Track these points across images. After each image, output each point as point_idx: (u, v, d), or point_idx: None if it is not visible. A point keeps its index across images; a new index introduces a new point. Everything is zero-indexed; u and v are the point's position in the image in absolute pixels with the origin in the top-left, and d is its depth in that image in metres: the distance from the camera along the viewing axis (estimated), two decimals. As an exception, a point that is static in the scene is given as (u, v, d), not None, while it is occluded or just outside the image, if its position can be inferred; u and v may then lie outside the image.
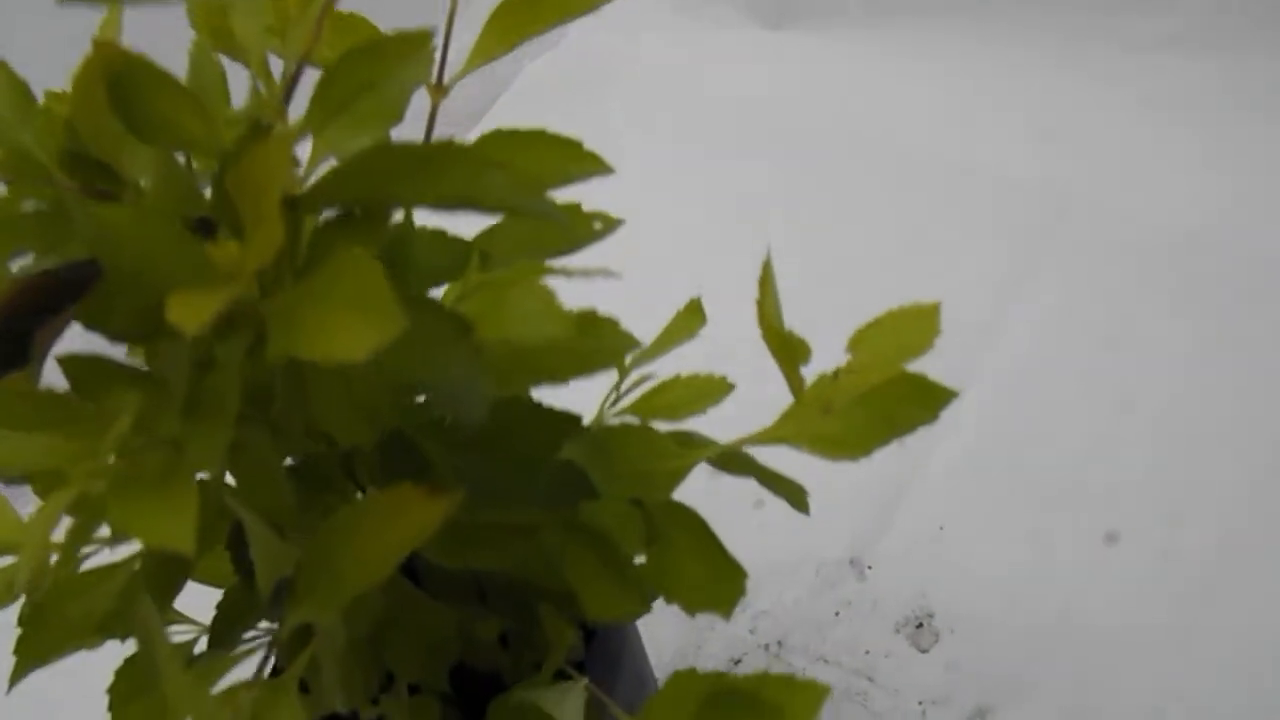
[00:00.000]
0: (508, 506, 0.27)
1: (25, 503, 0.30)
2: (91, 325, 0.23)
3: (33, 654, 0.32)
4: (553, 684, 0.29)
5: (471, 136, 0.26)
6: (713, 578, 0.27)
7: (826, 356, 0.29)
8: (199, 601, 0.33)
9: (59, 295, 0.23)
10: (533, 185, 0.24)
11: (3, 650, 0.31)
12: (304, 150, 0.24)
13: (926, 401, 0.27)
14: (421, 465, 0.25)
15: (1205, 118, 0.78)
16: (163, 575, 0.29)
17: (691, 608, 0.27)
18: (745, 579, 0.27)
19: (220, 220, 0.22)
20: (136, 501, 0.20)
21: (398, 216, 0.26)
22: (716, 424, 0.33)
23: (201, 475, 0.24)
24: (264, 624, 0.31)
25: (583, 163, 0.26)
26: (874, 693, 0.54)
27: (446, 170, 0.21)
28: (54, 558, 0.31)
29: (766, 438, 0.28)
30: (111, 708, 0.30)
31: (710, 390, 0.30)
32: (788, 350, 0.26)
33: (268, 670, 0.31)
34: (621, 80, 0.95)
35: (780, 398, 0.30)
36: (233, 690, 0.24)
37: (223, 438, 0.21)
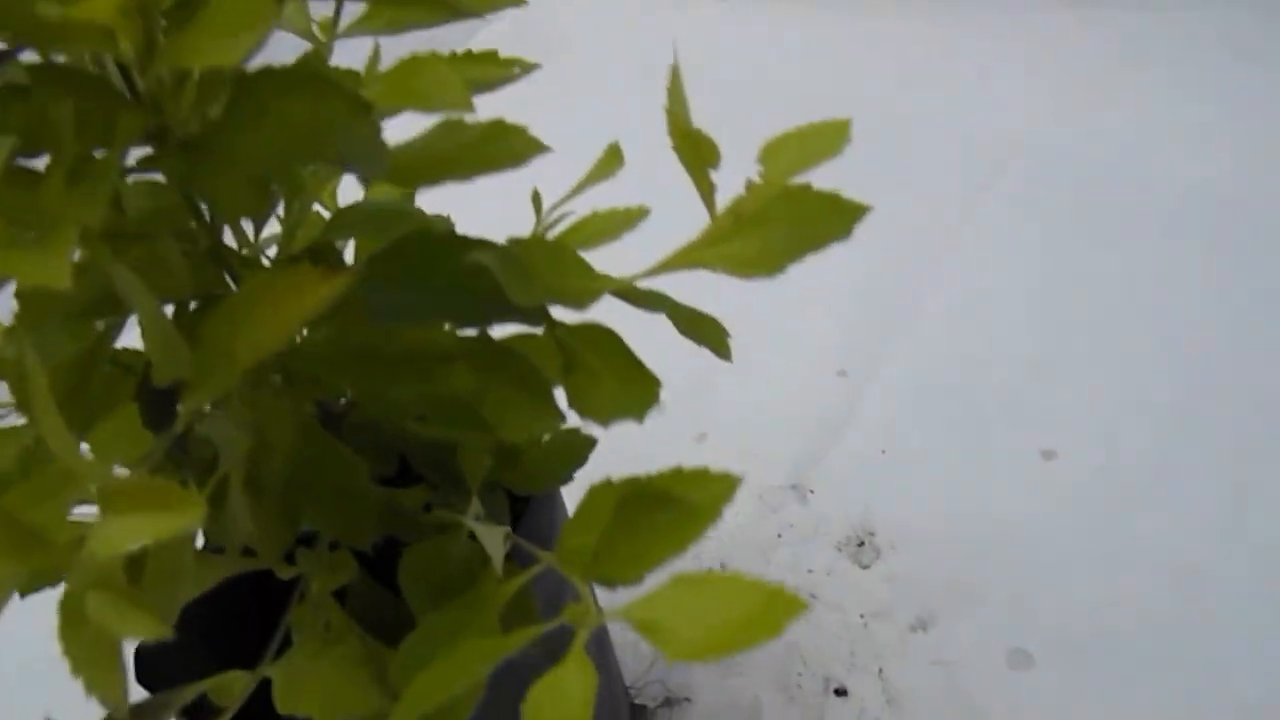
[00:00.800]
0: (428, 323, 0.26)
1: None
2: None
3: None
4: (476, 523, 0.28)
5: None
6: (626, 388, 0.27)
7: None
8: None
9: None
10: None
11: None
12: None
13: (839, 217, 0.27)
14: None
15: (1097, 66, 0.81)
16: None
17: (605, 418, 0.27)
18: (659, 387, 0.27)
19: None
20: (17, 251, 0.20)
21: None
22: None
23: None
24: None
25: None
26: (817, 608, 0.54)
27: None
28: None
29: (682, 260, 0.28)
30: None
31: (627, 218, 0.30)
32: (696, 152, 0.26)
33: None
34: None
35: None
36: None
37: (104, 197, 0.20)
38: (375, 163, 0.21)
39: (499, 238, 0.26)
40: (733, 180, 0.26)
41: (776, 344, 0.65)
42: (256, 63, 0.21)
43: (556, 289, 0.27)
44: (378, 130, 0.22)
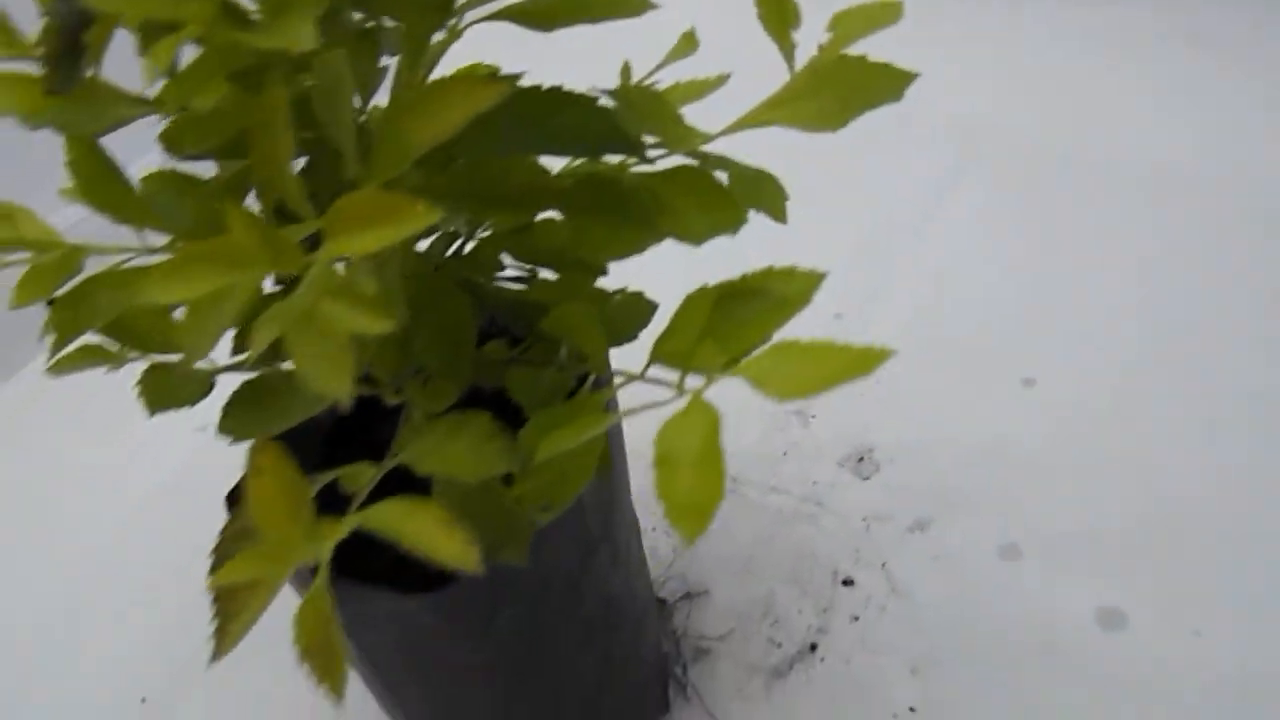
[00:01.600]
0: (551, 153, 0.31)
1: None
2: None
3: (67, 329, 0.34)
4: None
5: None
6: (715, 214, 0.31)
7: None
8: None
9: None
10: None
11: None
12: None
13: (892, 82, 0.32)
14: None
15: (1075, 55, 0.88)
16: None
17: (699, 238, 0.31)
18: (745, 212, 0.31)
19: None
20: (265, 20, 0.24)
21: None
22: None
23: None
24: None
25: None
26: (822, 515, 0.59)
27: None
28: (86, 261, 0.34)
29: (758, 118, 0.32)
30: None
31: (706, 85, 0.35)
32: (780, 14, 0.30)
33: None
34: None
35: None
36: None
37: None
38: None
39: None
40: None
41: (777, 289, 0.70)
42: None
43: (658, 130, 0.31)
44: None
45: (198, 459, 0.71)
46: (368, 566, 0.33)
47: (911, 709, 0.48)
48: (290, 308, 0.23)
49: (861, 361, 0.26)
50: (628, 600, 0.46)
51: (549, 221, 0.34)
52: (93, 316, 0.35)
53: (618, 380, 0.33)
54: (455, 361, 0.35)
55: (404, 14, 0.27)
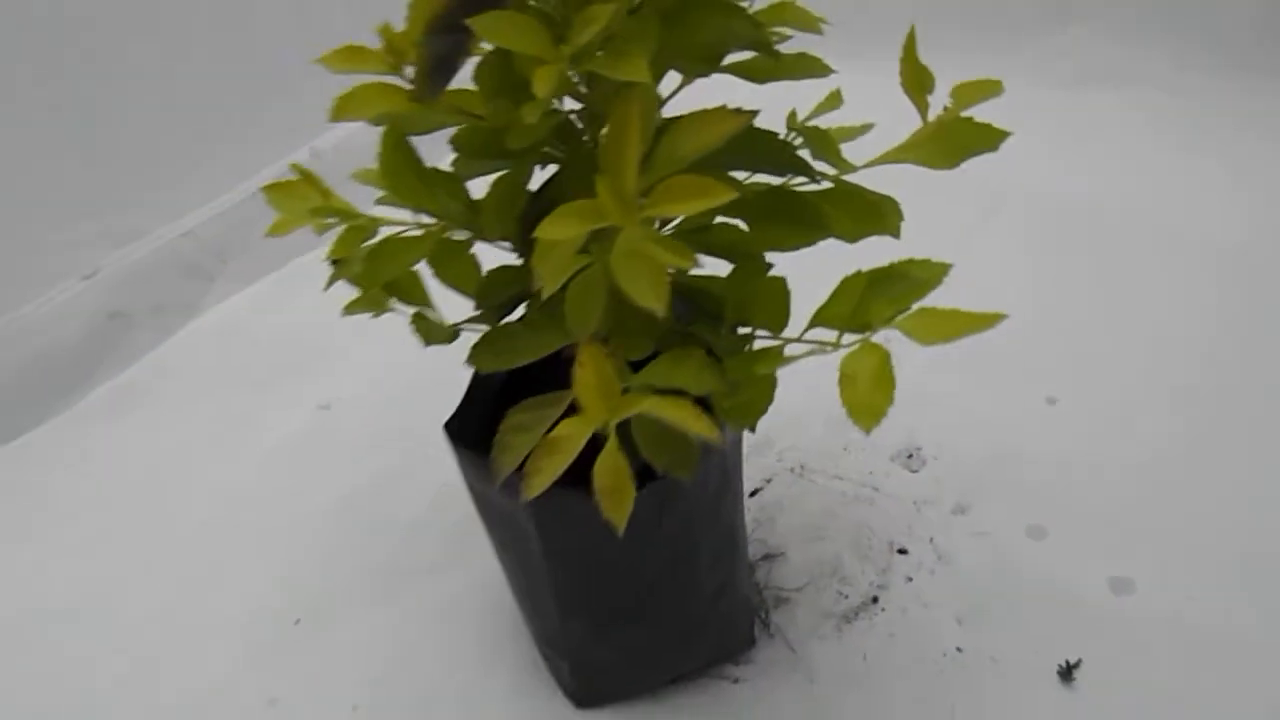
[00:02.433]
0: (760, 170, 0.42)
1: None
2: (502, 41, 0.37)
3: (370, 280, 0.45)
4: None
5: None
6: (870, 220, 0.43)
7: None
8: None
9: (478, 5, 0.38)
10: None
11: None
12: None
13: (989, 138, 0.44)
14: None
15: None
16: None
17: (854, 238, 0.43)
18: (901, 218, 0.43)
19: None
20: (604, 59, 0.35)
21: None
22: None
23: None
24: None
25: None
26: (879, 498, 0.70)
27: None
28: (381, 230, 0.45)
29: (895, 157, 0.44)
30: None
31: (856, 130, 0.47)
32: (919, 79, 0.42)
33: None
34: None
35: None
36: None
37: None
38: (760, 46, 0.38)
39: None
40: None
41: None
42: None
43: (830, 159, 0.43)
44: (767, 40, 0.39)
45: (319, 427, 0.82)
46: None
47: (959, 649, 0.59)
48: (621, 246, 0.34)
49: (982, 320, 0.37)
50: (740, 538, 0.57)
51: (725, 224, 0.46)
52: (381, 273, 0.46)
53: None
54: (651, 323, 0.46)
55: (686, 63, 0.39)
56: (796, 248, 0.44)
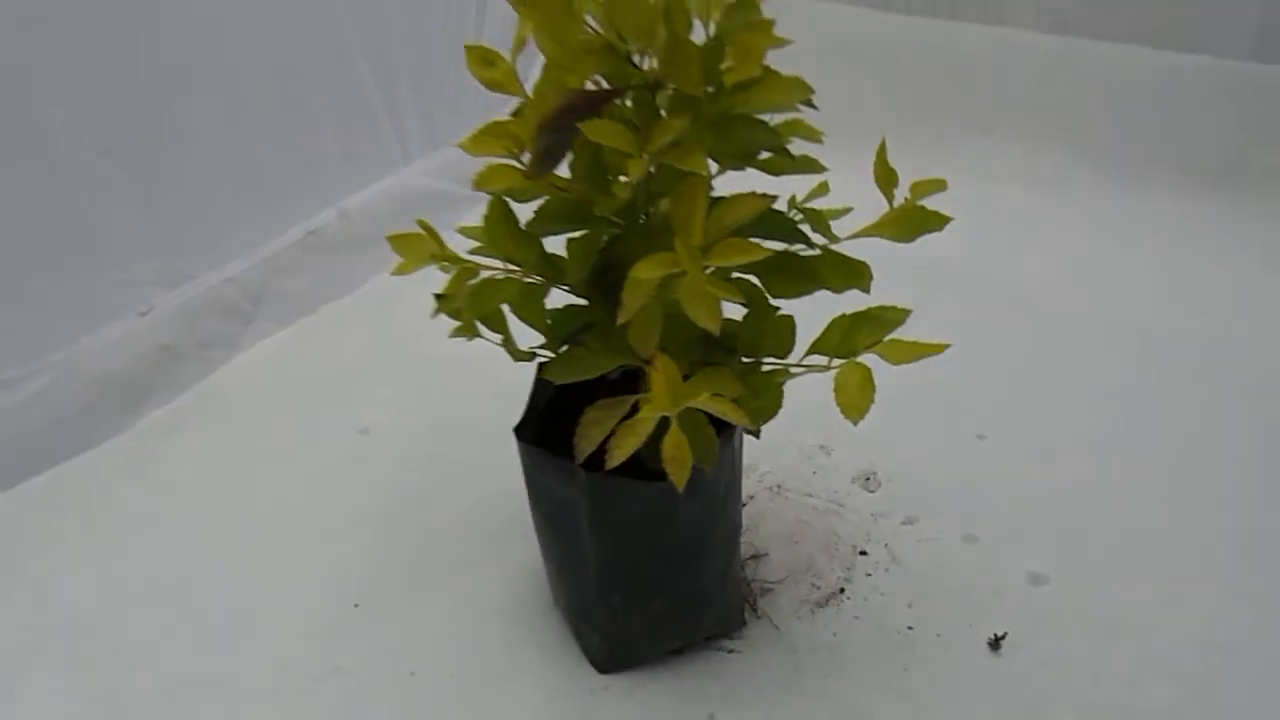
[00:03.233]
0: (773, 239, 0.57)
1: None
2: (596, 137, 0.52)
3: (472, 312, 0.59)
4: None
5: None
6: (849, 277, 0.58)
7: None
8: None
9: (577, 113, 0.53)
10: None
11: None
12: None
13: (938, 221, 0.60)
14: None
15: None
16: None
17: (839, 290, 0.58)
18: (870, 276, 0.58)
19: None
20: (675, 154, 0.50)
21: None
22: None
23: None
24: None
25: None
26: (843, 512, 0.84)
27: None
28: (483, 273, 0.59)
29: (868, 232, 0.60)
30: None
31: (839, 211, 0.62)
32: (887, 177, 0.58)
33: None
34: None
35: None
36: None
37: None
38: (777, 150, 0.53)
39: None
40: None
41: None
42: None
43: (822, 232, 0.59)
44: (783, 146, 0.54)
45: (360, 448, 0.94)
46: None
47: (909, 627, 0.73)
48: (687, 285, 0.49)
49: (932, 348, 0.53)
50: (738, 532, 0.71)
51: (742, 278, 0.61)
52: (480, 307, 0.60)
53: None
54: (689, 348, 0.61)
55: (727, 160, 0.54)
56: (796, 296, 0.59)
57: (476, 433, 0.95)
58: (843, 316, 0.57)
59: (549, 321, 0.63)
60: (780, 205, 0.59)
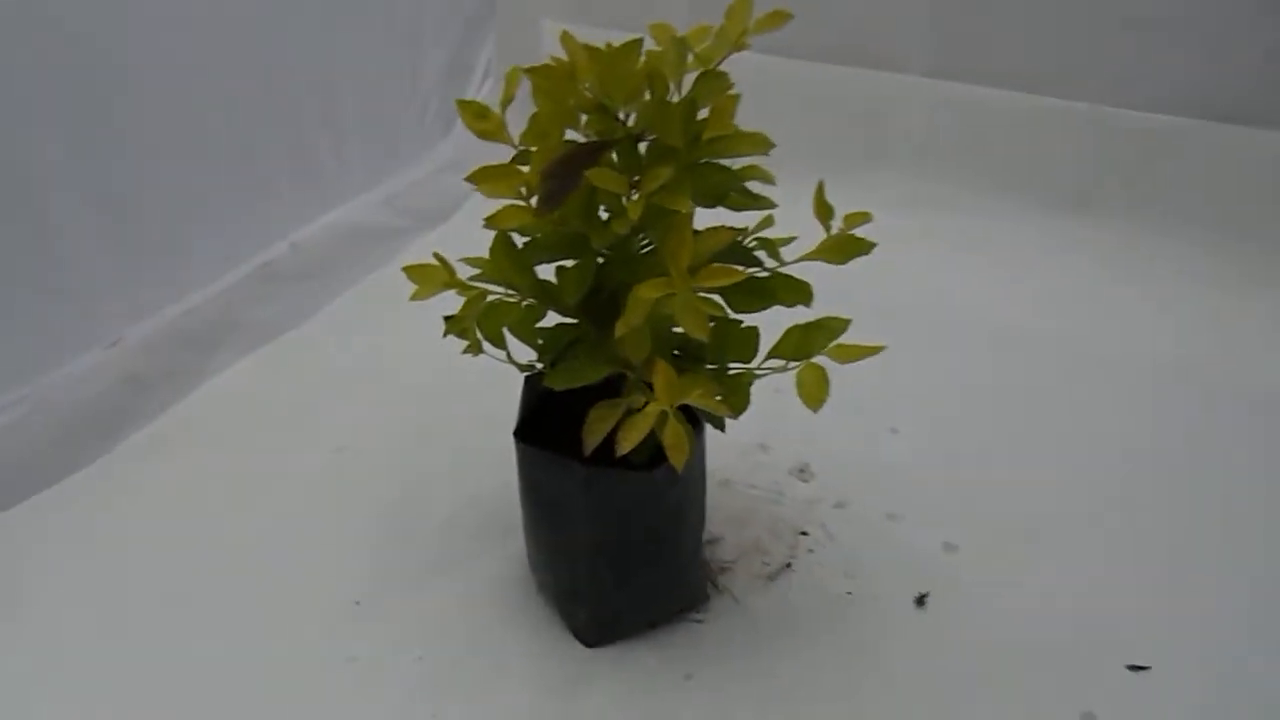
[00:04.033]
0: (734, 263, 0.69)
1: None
2: (597, 182, 0.63)
3: (484, 332, 0.69)
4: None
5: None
6: (794, 294, 0.70)
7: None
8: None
9: (578, 161, 0.64)
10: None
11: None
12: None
13: (865, 247, 0.72)
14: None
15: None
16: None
17: (790, 305, 0.70)
18: (811, 294, 0.70)
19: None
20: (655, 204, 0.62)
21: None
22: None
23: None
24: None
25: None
26: (783, 500, 0.96)
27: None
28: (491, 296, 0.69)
29: (808, 256, 0.72)
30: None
31: (786, 239, 0.74)
32: (824, 211, 0.70)
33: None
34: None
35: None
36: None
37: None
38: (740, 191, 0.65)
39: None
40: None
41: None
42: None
43: (774, 257, 0.71)
44: (742, 187, 0.66)
45: (339, 464, 1.01)
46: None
47: (849, 592, 0.86)
48: (678, 299, 0.60)
49: (871, 350, 0.65)
50: (704, 515, 0.82)
51: (707, 297, 0.72)
52: (489, 326, 0.70)
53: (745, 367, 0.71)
54: (666, 357, 0.72)
55: (702, 200, 0.66)
56: (755, 311, 0.70)
57: (446, 446, 1.04)
58: (795, 326, 0.69)
59: (540, 341, 0.73)
60: (737, 235, 0.71)
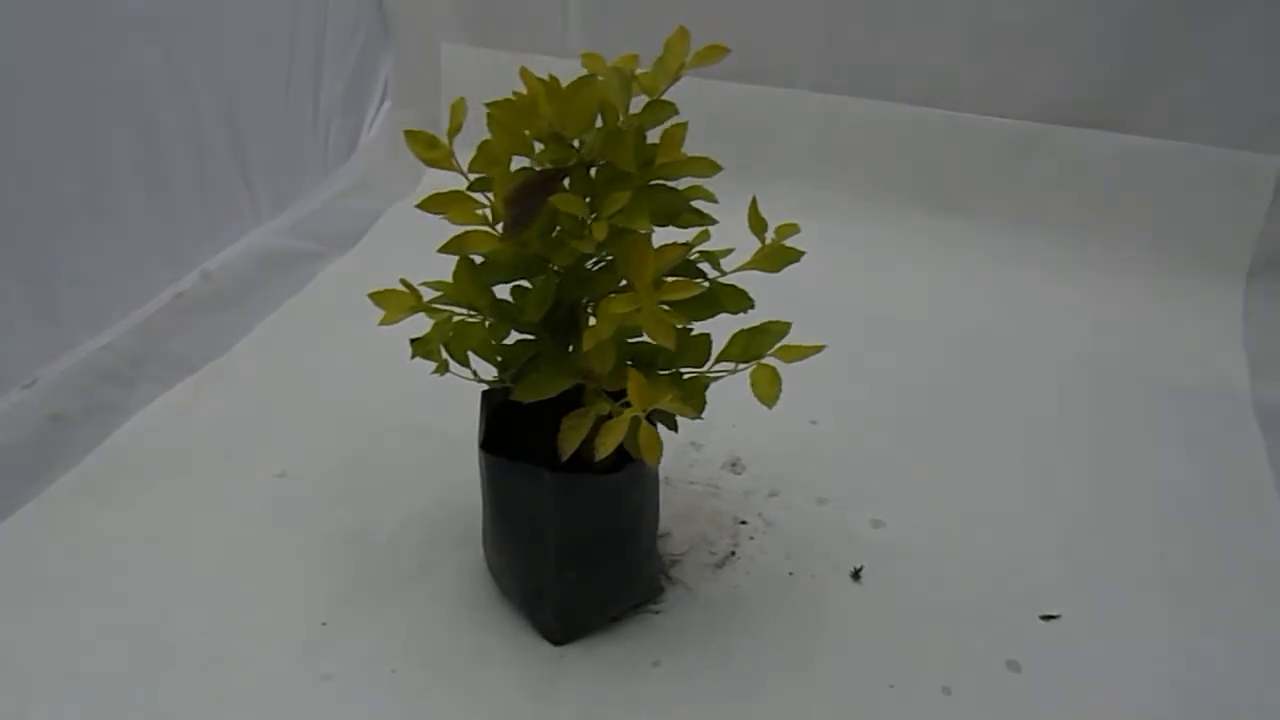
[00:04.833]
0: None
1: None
2: (561, 206, 0.68)
3: (451, 352, 0.73)
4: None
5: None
6: (737, 302, 0.76)
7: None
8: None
9: (542, 187, 0.69)
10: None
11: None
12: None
13: (796, 256, 0.79)
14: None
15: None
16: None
17: (734, 312, 0.76)
18: (750, 302, 0.76)
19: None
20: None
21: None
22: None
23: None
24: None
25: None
26: (720, 493, 1.03)
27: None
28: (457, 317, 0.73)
29: (746, 266, 0.78)
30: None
31: (725, 251, 0.80)
32: (758, 224, 0.77)
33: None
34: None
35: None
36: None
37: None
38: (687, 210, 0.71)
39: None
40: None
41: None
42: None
43: (715, 268, 0.77)
44: (689, 207, 0.72)
45: (282, 490, 1.02)
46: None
47: (790, 573, 0.93)
48: (645, 312, 0.65)
49: (811, 350, 0.72)
50: (659, 511, 0.87)
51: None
52: (458, 347, 0.73)
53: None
54: (622, 366, 0.77)
55: (655, 219, 0.71)
56: (703, 319, 0.76)
57: (385, 464, 1.06)
58: (741, 331, 0.75)
59: (499, 358, 0.77)
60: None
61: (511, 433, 0.81)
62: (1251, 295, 1.32)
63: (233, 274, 1.34)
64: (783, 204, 1.54)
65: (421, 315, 0.74)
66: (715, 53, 0.71)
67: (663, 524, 0.97)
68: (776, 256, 0.78)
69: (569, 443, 0.69)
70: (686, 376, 0.76)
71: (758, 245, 0.77)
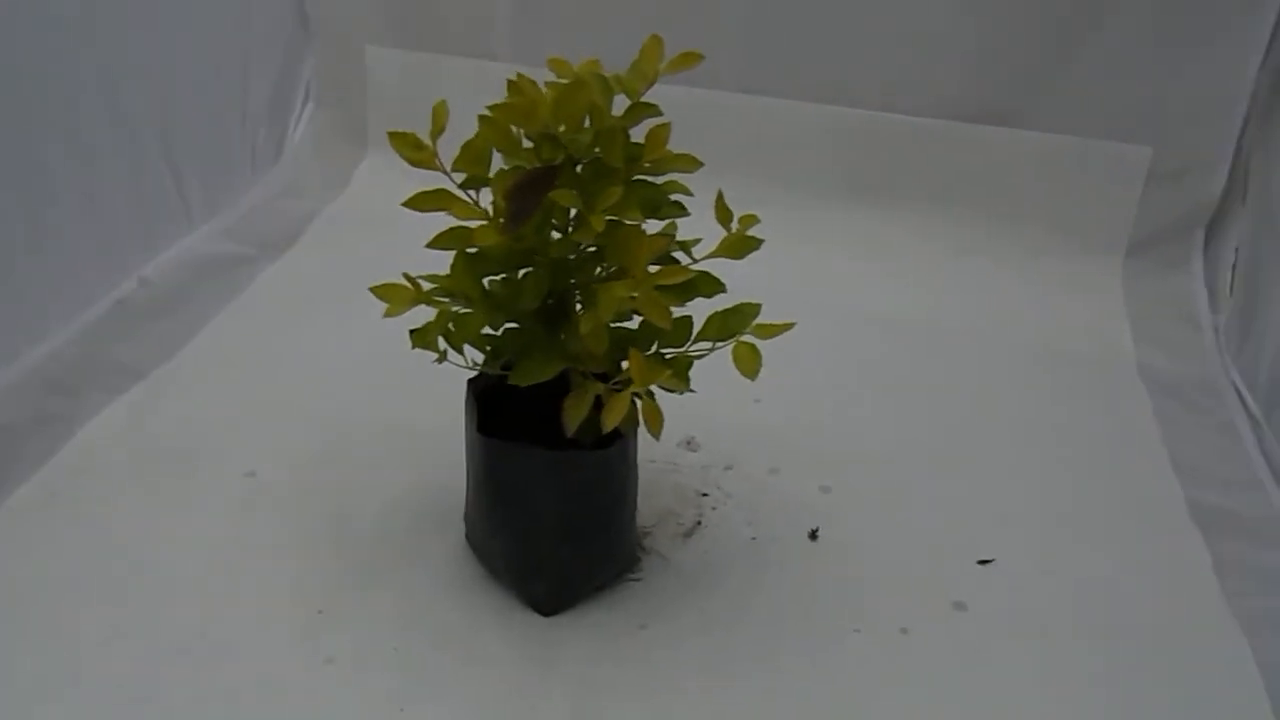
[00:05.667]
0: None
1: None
2: (560, 200, 0.73)
3: (451, 343, 0.77)
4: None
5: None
6: (711, 287, 0.83)
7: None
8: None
9: (540, 182, 0.74)
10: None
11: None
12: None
13: (756, 244, 0.87)
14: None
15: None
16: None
17: (709, 296, 0.82)
18: (724, 287, 0.83)
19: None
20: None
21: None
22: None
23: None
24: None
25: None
26: (680, 469, 1.10)
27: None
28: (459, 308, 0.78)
29: (714, 254, 0.85)
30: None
31: (696, 240, 0.87)
32: (724, 215, 0.84)
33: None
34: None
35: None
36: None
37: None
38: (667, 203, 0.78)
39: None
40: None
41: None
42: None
43: (689, 255, 0.84)
44: (668, 200, 0.79)
45: (253, 489, 1.04)
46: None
47: (753, 537, 1.01)
48: (642, 296, 0.71)
49: (783, 328, 0.80)
50: (638, 486, 0.94)
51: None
52: (459, 337, 0.78)
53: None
54: (618, 351, 0.82)
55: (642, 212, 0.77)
56: (683, 303, 0.83)
57: (354, 456, 1.09)
58: (716, 313, 0.82)
59: (488, 346, 0.82)
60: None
61: (494, 418, 0.85)
62: (1129, 273, 1.47)
63: (170, 280, 1.33)
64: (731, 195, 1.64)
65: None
66: (690, 59, 0.78)
67: (631, 501, 1.04)
68: (740, 245, 0.85)
69: (574, 420, 0.75)
70: (670, 356, 0.83)
71: (722, 234, 0.85)
